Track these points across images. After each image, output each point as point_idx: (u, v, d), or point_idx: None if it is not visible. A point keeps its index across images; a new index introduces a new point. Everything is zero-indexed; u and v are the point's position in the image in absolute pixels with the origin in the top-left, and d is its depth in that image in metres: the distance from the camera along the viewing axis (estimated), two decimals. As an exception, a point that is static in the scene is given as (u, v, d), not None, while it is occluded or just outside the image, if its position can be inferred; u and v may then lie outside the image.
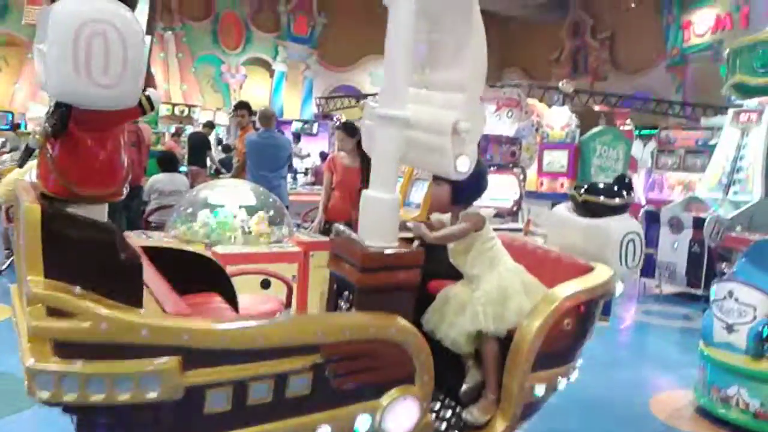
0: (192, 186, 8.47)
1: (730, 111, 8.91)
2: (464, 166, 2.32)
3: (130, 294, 1.84)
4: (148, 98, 2.11)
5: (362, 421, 2.16)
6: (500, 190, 7.29)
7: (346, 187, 6.25)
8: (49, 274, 1.75)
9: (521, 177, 7.31)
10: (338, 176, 6.30)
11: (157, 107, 2.17)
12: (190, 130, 14.58)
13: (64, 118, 1.87)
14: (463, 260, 2.88)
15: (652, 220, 8.65)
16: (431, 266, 2.49)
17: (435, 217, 3.01)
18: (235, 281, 3.24)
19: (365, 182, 6.33)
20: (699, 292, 8.16)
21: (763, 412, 4.11)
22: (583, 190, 3.27)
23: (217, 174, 11.56)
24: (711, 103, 16.75)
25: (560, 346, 2.69)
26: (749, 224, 8.00)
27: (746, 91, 4.63)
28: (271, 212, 5.90)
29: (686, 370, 5.45)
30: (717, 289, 4.64)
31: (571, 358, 2.81)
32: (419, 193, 7.72)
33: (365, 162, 6.38)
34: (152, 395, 1.78)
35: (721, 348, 4.47)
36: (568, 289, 2.71)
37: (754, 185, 8.23)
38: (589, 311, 2.76)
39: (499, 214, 6.93)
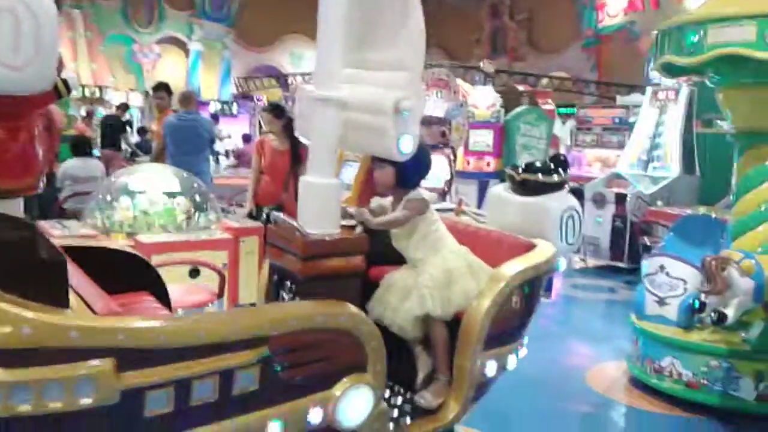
0: (107, 171, 8.05)
1: (649, 89, 9.18)
2: (408, 146, 2.25)
3: (55, 294, 1.67)
4: (65, 81, 1.90)
5: (315, 414, 2.06)
6: (431, 171, 7.23)
7: (275, 170, 6.05)
8: None
9: (452, 157, 7.29)
10: (267, 159, 6.09)
11: (74, 91, 1.95)
12: (102, 112, 13.89)
13: None
14: (407, 244, 2.83)
15: (575, 196, 8.83)
16: (372, 252, 2.40)
17: (375, 202, 2.93)
18: (162, 272, 3.04)
19: (295, 165, 6.20)
20: (622, 264, 8.41)
21: (695, 381, 4.23)
22: (521, 170, 3.26)
23: (132, 158, 11.09)
24: (625, 81, 17.33)
25: (509, 324, 2.68)
26: (668, 199, 8.29)
27: (674, 71, 4.71)
28: (197, 197, 5.65)
29: (617, 342, 5.60)
30: (648, 264, 4.75)
31: (519, 336, 2.81)
32: (349, 175, 7.58)
33: (294, 145, 6.24)
34: (86, 401, 1.63)
35: (654, 321, 4.59)
36: (514, 267, 2.69)
37: (672, 161, 8.52)
38: (535, 288, 2.77)
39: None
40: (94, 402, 1.63)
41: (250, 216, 6.13)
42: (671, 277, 4.55)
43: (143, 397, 1.72)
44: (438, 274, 2.71)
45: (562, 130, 14.00)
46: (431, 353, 2.72)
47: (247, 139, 14.14)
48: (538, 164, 3.25)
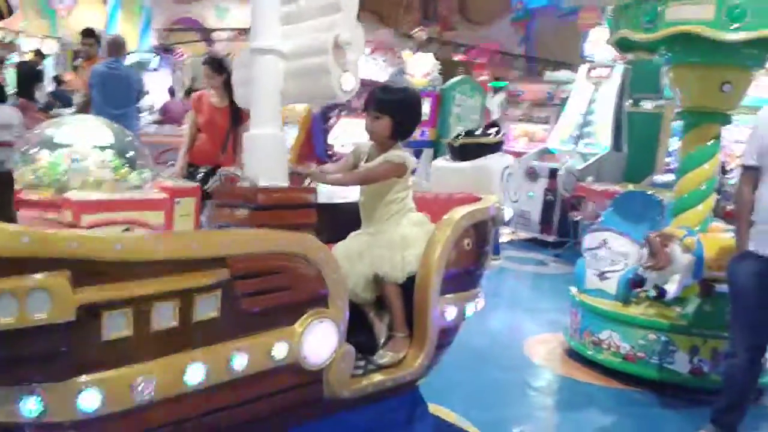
0: (21, 122, 7.50)
1: (583, 66, 9.34)
2: (349, 84, 2.23)
3: (3, 207, 1.62)
4: (6, 1, 1.67)
5: (279, 349, 2.00)
6: (358, 135, 7.13)
7: (213, 128, 5.77)
8: None
9: (392, 123, 7.20)
10: (204, 116, 5.79)
11: (15, 12, 1.73)
12: (14, 58, 12.96)
13: None
14: (372, 203, 2.74)
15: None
16: (324, 229, 2.33)
17: (327, 168, 2.89)
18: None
19: (234, 124, 5.92)
20: (551, 238, 8.60)
21: (633, 354, 4.36)
22: (459, 136, 3.38)
23: (47, 110, 10.40)
24: (551, 57, 17.65)
25: (463, 267, 2.70)
26: (597, 175, 8.50)
27: (628, 47, 4.75)
28: (131, 153, 5.32)
29: (551, 315, 5.73)
30: (591, 238, 4.83)
31: (475, 282, 2.84)
32: (288, 138, 7.37)
33: (234, 102, 5.95)
34: (41, 316, 1.50)
35: (594, 295, 4.69)
36: (463, 210, 2.73)
37: (603, 138, 8.73)
38: (485, 231, 2.80)
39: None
40: (49, 317, 1.51)
41: (184, 176, 5.84)
42: (613, 251, 4.64)
43: (100, 317, 1.60)
44: (395, 239, 2.66)
45: (491, 102, 14.14)
46: (386, 315, 2.68)
47: (172, 92, 13.53)
48: (475, 131, 3.39)
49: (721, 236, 4.34)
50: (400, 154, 2.66)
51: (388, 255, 2.61)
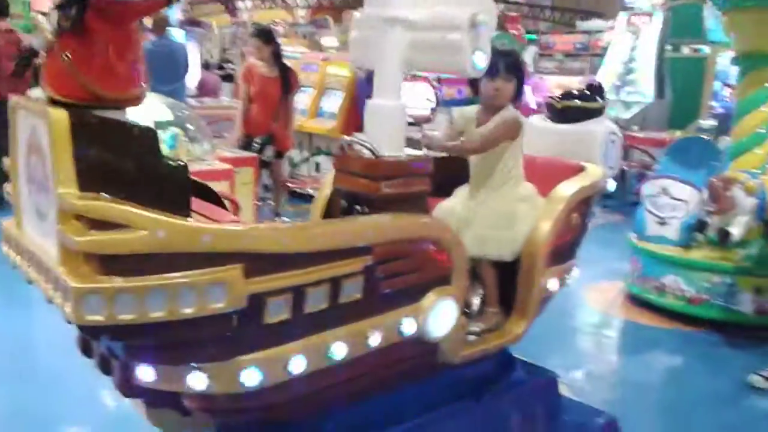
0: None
1: (623, 14, 9.22)
2: (482, 61, 2.18)
3: (178, 202, 1.64)
4: None
5: (408, 324, 2.11)
6: (416, 98, 7.20)
7: (264, 98, 5.90)
8: (85, 186, 1.53)
9: (436, 84, 7.25)
10: (255, 87, 5.92)
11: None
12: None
13: (81, 7, 1.56)
14: (486, 170, 2.67)
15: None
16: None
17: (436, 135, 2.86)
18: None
19: (285, 93, 6.03)
20: (597, 189, 8.60)
21: (697, 297, 4.45)
22: (559, 98, 3.29)
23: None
24: (582, 8, 17.37)
25: (568, 241, 2.73)
26: (642, 123, 8.48)
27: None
28: (189, 127, 5.48)
29: (608, 264, 5.81)
30: (649, 186, 4.89)
31: (575, 253, 2.88)
32: (333, 103, 7.47)
33: (284, 71, 6.08)
34: (218, 305, 1.62)
35: (655, 241, 4.76)
36: (572, 186, 2.72)
37: (646, 86, 8.67)
38: (590, 205, 2.83)
39: (417, 122, 6.87)
40: (225, 307, 1.63)
41: (241, 146, 6.00)
42: (673, 198, 4.71)
43: (265, 303, 1.72)
44: (503, 213, 2.63)
45: (526, 56, 14.03)
46: (477, 285, 2.73)
47: (206, 66, 13.64)
48: (575, 92, 3.27)
49: (782, 177, 4.37)
50: (514, 112, 2.65)
51: (496, 235, 2.60)
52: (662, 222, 4.73)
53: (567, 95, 3.25)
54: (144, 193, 1.58)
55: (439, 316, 2.18)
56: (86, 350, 2.02)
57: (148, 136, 1.63)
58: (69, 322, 1.53)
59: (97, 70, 1.61)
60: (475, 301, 2.76)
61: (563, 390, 3.21)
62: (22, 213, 1.84)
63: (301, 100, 7.42)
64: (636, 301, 4.93)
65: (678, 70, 8.96)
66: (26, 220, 1.82)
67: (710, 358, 4.12)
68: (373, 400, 2.20)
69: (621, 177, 8.49)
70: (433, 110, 7.20)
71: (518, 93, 2.65)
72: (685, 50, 10.12)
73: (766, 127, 4.47)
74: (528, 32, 14.58)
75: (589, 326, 4.62)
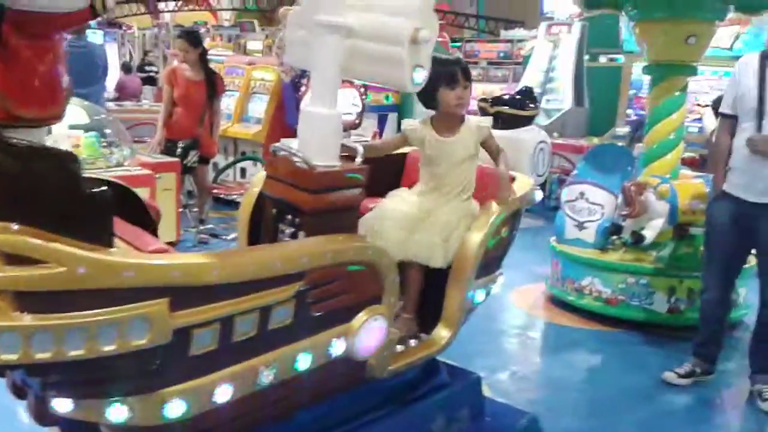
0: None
1: (543, 24, 9.49)
2: (420, 77, 2.15)
3: (100, 232, 1.55)
4: None
5: (338, 346, 2.09)
6: (342, 103, 7.18)
7: (189, 102, 5.77)
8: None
9: (362, 90, 7.25)
10: (180, 90, 5.78)
11: (111, 8, 1.75)
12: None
13: None
14: (457, 177, 2.68)
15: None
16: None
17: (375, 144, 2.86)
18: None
19: (211, 97, 5.91)
20: (520, 194, 8.81)
21: (614, 298, 4.61)
22: (491, 103, 3.30)
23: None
24: (507, 17, 17.80)
25: (496, 253, 2.77)
26: (562, 130, 8.74)
27: (594, 4, 4.93)
28: (108, 131, 5.32)
29: (531, 267, 5.95)
30: (569, 191, 5.05)
31: (501, 264, 2.91)
32: (258, 108, 7.38)
33: (209, 75, 5.96)
34: (140, 342, 1.55)
35: (573, 244, 4.92)
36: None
37: (565, 94, 8.95)
38: (519, 218, 2.86)
39: (344, 128, 6.85)
40: (148, 343, 1.56)
41: (162, 151, 5.85)
42: (590, 202, 4.87)
43: (190, 336, 1.67)
44: (448, 222, 2.62)
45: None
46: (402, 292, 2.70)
47: (127, 69, 13.24)
48: (506, 98, 3.31)
49: (691, 182, 4.60)
50: (480, 125, 2.67)
51: (438, 243, 2.59)
52: (580, 226, 4.89)
53: (498, 100, 3.28)
54: (63, 222, 1.48)
55: (369, 336, 2.18)
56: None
57: (67, 161, 1.52)
58: None
59: (14, 88, 1.51)
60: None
61: (486, 391, 3.27)
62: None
63: (226, 104, 7.31)
64: (557, 302, 5.07)
65: (595, 79, 9.30)
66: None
67: (627, 357, 4.27)
68: (302, 409, 2.18)
69: (543, 183, 8.74)
70: (359, 115, 7.20)
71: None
72: (602, 59, 10.52)
73: (676, 134, 4.68)
74: (453, 40, 14.82)
75: (512, 328, 4.72)
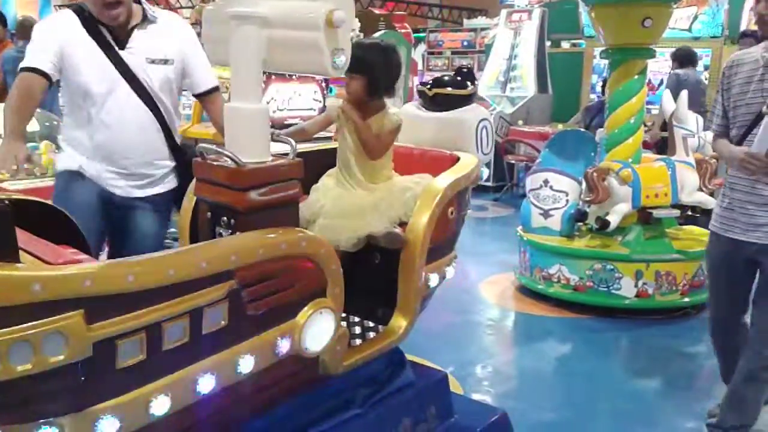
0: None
1: (503, 12, 9.47)
2: (341, 60, 2.08)
3: (3, 247, 1.46)
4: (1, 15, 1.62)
5: (283, 344, 2.02)
6: (303, 99, 7.06)
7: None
8: None
9: (324, 84, 7.15)
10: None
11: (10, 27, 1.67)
12: None
13: None
14: (365, 163, 2.68)
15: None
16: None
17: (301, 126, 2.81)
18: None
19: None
20: (488, 183, 8.81)
21: (582, 284, 4.60)
22: (430, 85, 3.26)
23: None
24: (470, 5, 17.77)
25: (446, 235, 2.70)
26: (527, 118, 8.74)
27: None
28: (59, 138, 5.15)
29: (500, 256, 5.93)
30: (532, 180, 5.02)
31: (453, 246, 2.86)
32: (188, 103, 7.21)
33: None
34: (57, 358, 1.47)
35: (540, 232, 4.89)
36: (446, 179, 2.69)
37: (528, 81, 8.94)
38: (466, 197, 2.81)
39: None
40: (66, 359, 1.48)
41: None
42: (554, 190, 4.85)
43: (115, 347, 1.58)
44: (358, 205, 2.62)
45: (414, 54, 14.19)
46: None
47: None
48: (446, 79, 3.24)
49: (653, 165, 4.59)
50: (393, 117, 2.63)
51: (341, 224, 2.58)
52: (545, 214, 4.87)
53: (437, 82, 3.22)
54: None
55: (315, 331, 2.10)
56: None
57: None
58: None
59: None
60: None
61: (456, 387, 3.22)
62: None
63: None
64: (526, 292, 5.05)
65: (558, 65, 9.30)
66: None
67: (598, 344, 4.26)
68: (253, 417, 2.09)
69: (509, 171, 8.75)
70: (322, 110, 7.10)
71: (376, 89, 2.60)
72: (565, 45, 10.54)
73: (636, 118, 4.66)
74: (416, 31, 14.75)
75: (482, 320, 4.69)
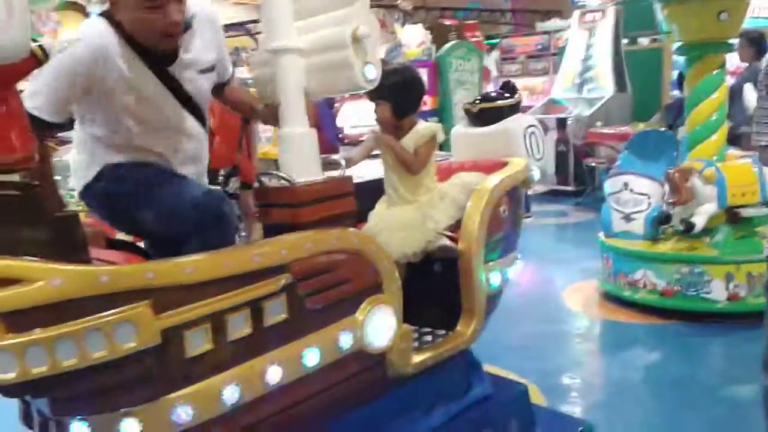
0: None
1: (576, 13, 9.32)
2: (372, 73, 2.25)
3: (74, 250, 1.65)
4: (41, 47, 1.76)
5: (345, 339, 2.10)
6: (372, 114, 7.20)
7: (226, 130, 5.84)
8: None
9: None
10: (216, 120, 5.85)
11: (51, 57, 1.82)
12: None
13: None
14: (406, 180, 2.78)
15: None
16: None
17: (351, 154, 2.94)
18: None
19: (246, 123, 5.98)
20: (569, 188, 8.66)
21: (669, 289, 4.46)
22: (476, 102, 3.33)
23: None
24: (542, 8, 17.56)
25: (502, 234, 2.76)
26: (606, 118, 8.54)
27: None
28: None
29: (582, 263, 5.82)
30: (612, 183, 4.92)
31: (513, 245, 2.90)
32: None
33: (243, 102, 6.02)
34: (129, 345, 1.61)
35: (622, 237, 4.78)
36: (494, 179, 2.76)
37: (605, 81, 8.74)
38: (517, 196, 2.87)
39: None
40: (138, 345, 1.61)
41: (208, 181, 5.94)
42: (635, 193, 4.73)
43: (182, 337, 1.71)
44: (414, 219, 2.72)
45: (487, 61, 14.12)
46: None
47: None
48: (492, 94, 3.31)
49: (739, 164, 4.42)
50: (427, 127, 2.73)
51: (400, 236, 2.69)
52: (627, 218, 4.76)
53: (483, 98, 3.30)
54: (39, 249, 1.58)
55: (376, 326, 2.18)
56: (27, 421, 1.98)
57: (33, 193, 1.64)
58: None
59: None
60: None
61: (540, 399, 3.19)
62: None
63: (266, 127, 7.39)
64: (611, 298, 4.93)
65: (636, 63, 9.06)
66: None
67: (688, 350, 4.11)
68: (327, 425, 2.16)
69: (590, 174, 8.57)
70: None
71: (401, 112, 2.70)
72: (645, 42, 10.24)
73: (718, 114, 4.50)
74: (489, 37, 14.69)
75: (566, 328, 4.61)
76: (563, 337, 4.48)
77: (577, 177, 8.48)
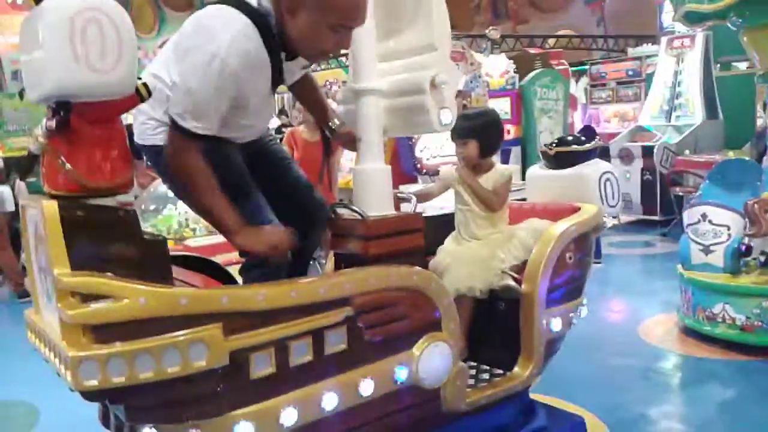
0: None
1: (664, 39, 9.13)
2: (448, 118, 2.38)
3: (160, 271, 1.84)
4: (145, 85, 1.98)
5: (401, 372, 2.19)
6: (453, 146, 7.27)
7: (309, 162, 6.09)
8: (75, 265, 1.72)
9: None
10: (299, 152, 6.15)
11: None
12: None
13: (66, 112, 1.77)
14: (479, 217, 2.93)
15: (601, 154, 8.85)
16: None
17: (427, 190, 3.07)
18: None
19: (326, 155, 6.23)
20: (655, 217, 8.41)
21: (750, 324, 4.28)
22: (553, 145, 3.38)
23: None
24: (633, 33, 17.17)
25: (567, 280, 2.78)
26: (695, 147, 8.27)
27: (695, 18, 4.72)
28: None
29: (663, 295, 5.66)
30: (689, 214, 4.78)
31: (579, 292, 2.90)
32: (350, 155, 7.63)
33: (325, 135, 6.25)
34: (200, 363, 1.76)
35: (701, 269, 4.63)
36: (562, 225, 2.80)
37: (695, 108, 8.48)
38: (586, 243, 2.88)
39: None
40: (207, 364, 1.75)
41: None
42: (714, 224, 4.59)
43: (248, 359, 1.84)
44: (484, 254, 2.84)
45: (576, 88, 13.93)
46: None
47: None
48: (569, 138, 3.40)
49: (825, 193, 4.22)
50: (505, 170, 2.92)
51: (469, 272, 2.81)
52: (706, 250, 4.61)
53: (560, 142, 3.39)
54: (129, 267, 1.77)
55: (432, 362, 2.25)
56: (105, 422, 2.18)
57: (128, 217, 1.84)
58: (71, 390, 1.70)
59: (84, 164, 1.82)
60: None
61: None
62: (39, 299, 2.04)
63: (348, 156, 7.61)
64: (691, 333, 4.77)
65: (729, 89, 8.75)
66: (41, 305, 2.02)
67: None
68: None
69: (678, 203, 8.28)
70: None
71: (487, 150, 2.84)
72: (741, 67, 9.86)
73: (803, 143, 4.33)
74: (577, 64, 14.51)
75: (640, 362, 4.49)
76: (636, 371, 4.37)
77: (664, 206, 8.22)
